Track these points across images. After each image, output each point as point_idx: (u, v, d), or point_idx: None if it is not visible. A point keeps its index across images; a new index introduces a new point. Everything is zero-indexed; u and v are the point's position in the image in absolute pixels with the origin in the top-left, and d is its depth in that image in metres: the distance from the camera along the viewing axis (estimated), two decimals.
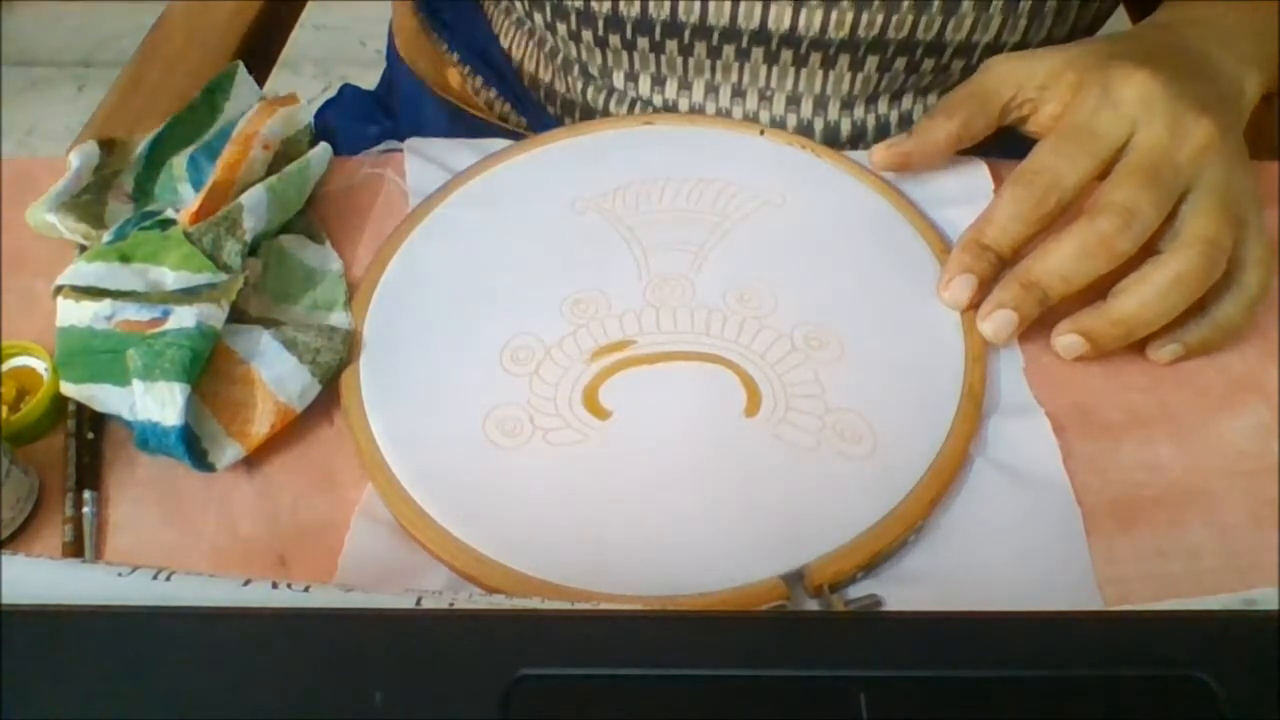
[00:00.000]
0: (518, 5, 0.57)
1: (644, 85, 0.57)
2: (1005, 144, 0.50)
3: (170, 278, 0.44)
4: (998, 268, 0.44)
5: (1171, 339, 0.44)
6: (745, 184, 0.50)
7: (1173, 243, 0.42)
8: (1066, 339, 0.43)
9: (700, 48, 0.54)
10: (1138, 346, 0.44)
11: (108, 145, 0.50)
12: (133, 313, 0.43)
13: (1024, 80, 0.47)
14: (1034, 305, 0.43)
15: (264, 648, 0.26)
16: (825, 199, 0.50)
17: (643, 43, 0.54)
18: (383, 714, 0.24)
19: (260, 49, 0.68)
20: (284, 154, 0.50)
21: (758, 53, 0.54)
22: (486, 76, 0.65)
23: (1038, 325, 0.44)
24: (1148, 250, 0.42)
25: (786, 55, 0.53)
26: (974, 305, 0.44)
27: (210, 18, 0.68)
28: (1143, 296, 0.42)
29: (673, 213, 0.49)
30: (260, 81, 0.58)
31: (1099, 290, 0.43)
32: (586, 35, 0.55)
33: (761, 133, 0.53)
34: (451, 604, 0.31)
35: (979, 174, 0.51)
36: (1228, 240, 0.42)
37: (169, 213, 0.48)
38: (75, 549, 0.39)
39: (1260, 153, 0.48)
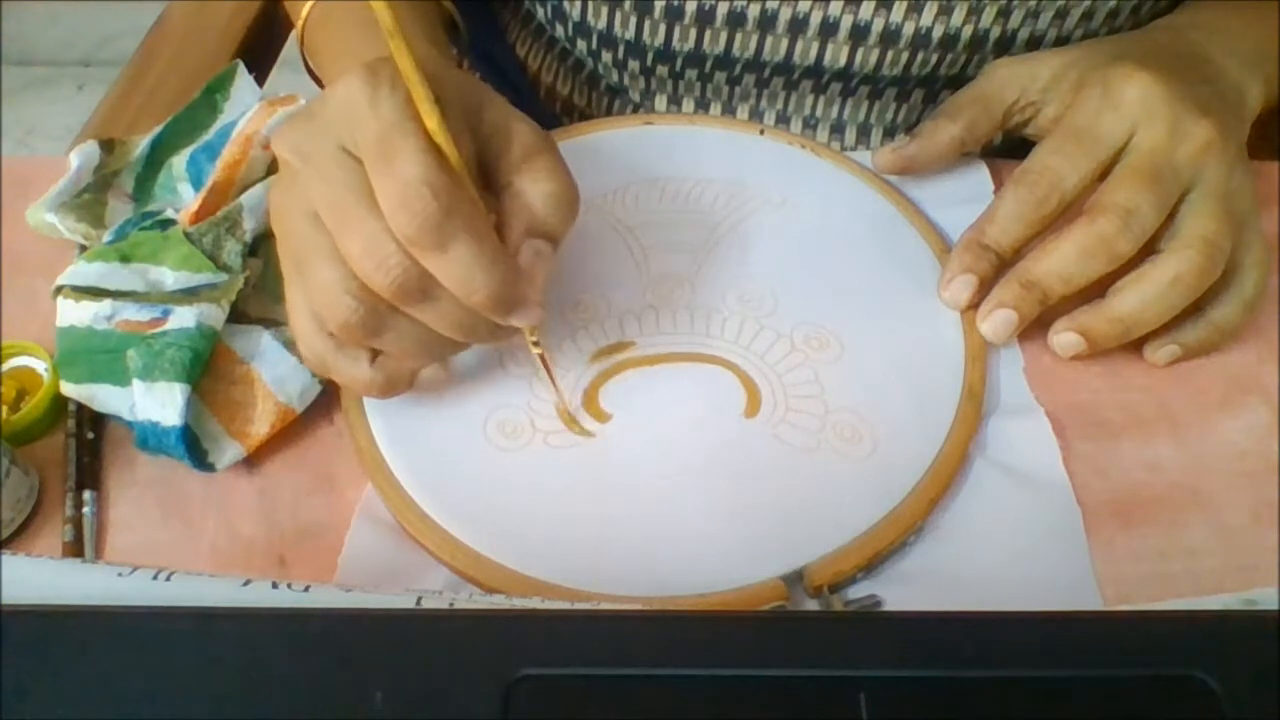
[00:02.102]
0: (557, 29, 0.57)
1: (687, 109, 0.57)
2: (1006, 144, 0.50)
3: (170, 278, 0.44)
4: (998, 268, 0.44)
5: (1169, 340, 0.44)
6: (745, 184, 0.50)
7: (1172, 242, 0.42)
8: (1064, 337, 0.43)
9: (749, 79, 0.54)
10: (1138, 346, 0.44)
11: (108, 145, 0.50)
12: (133, 313, 0.43)
13: (1027, 83, 0.47)
14: (1034, 305, 0.43)
15: (264, 648, 0.26)
16: (825, 199, 0.50)
17: (691, 74, 0.54)
18: (383, 714, 0.24)
19: (260, 49, 0.68)
20: None
21: (807, 84, 0.54)
22: (494, 81, 0.65)
23: (1038, 325, 0.44)
24: (1147, 250, 0.42)
25: (835, 88, 0.54)
26: (974, 305, 0.44)
27: (210, 18, 0.68)
28: (1142, 295, 0.42)
29: (672, 213, 0.49)
30: (260, 81, 0.58)
31: (1098, 289, 0.43)
32: (633, 65, 0.55)
33: (761, 132, 0.53)
34: (451, 604, 0.31)
35: (979, 174, 0.51)
36: (1227, 241, 0.42)
37: (169, 213, 0.48)
38: (75, 549, 0.39)
39: (1260, 153, 0.48)
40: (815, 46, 0.51)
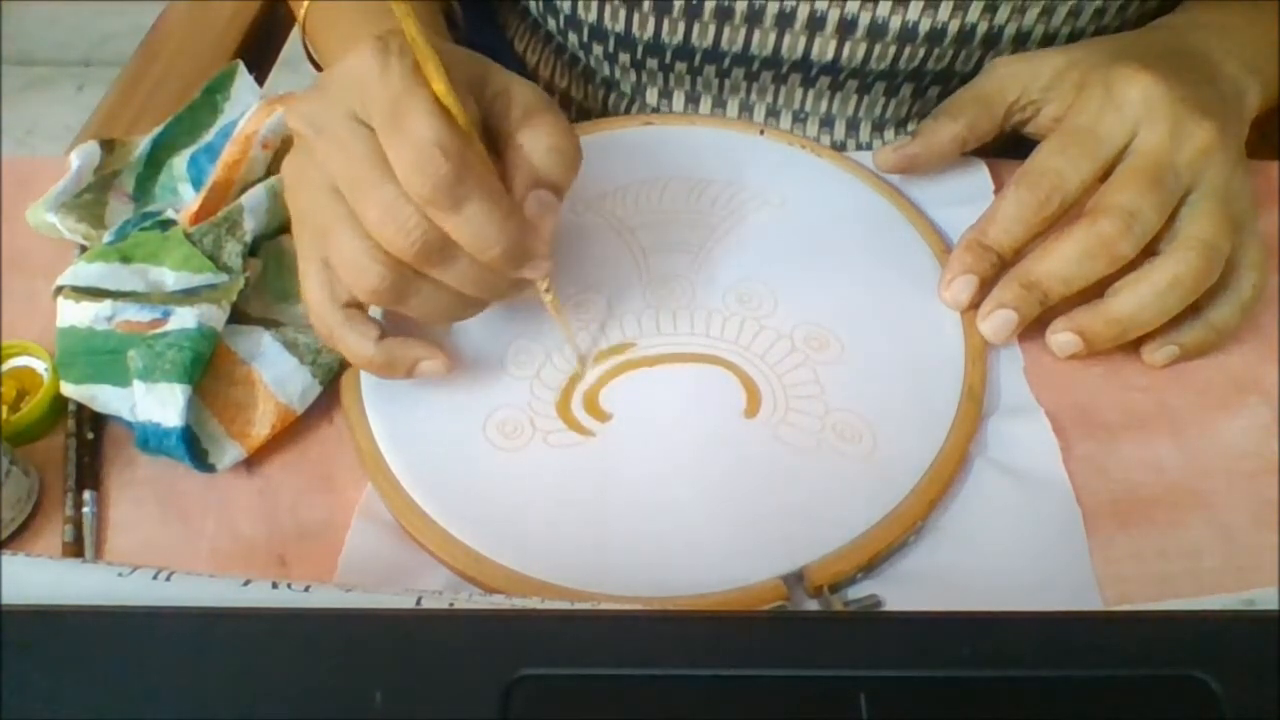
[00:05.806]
0: (550, 23, 0.57)
1: (678, 102, 0.57)
2: (1006, 144, 0.50)
3: (171, 278, 0.44)
4: (999, 268, 0.44)
5: (1166, 341, 0.44)
6: (745, 184, 0.50)
7: (1171, 244, 0.42)
8: (1062, 337, 0.43)
9: (738, 72, 0.54)
10: (1138, 346, 0.44)
11: (108, 145, 0.50)
12: (133, 313, 0.43)
13: (1028, 82, 0.47)
14: (1034, 306, 0.43)
15: (264, 648, 0.26)
16: (825, 199, 0.50)
17: (681, 67, 0.54)
18: (383, 714, 0.24)
19: (260, 49, 0.68)
20: (284, 153, 0.50)
21: (795, 78, 0.54)
22: None
23: (1038, 325, 0.44)
24: (1146, 251, 0.42)
25: (824, 81, 0.54)
26: (974, 305, 0.44)
27: (210, 18, 0.68)
28: (1140, 296, 0.42)
29: (673, 213, 0.49)
30: (260, 81, 0.58)
31: (1098, 289, 0.43)
32: (624, 58, 0.55)
33: (761, 132, 0.53)
34: (451, 604, 0.31)
35: (979, 175, 0.51)
36: (1226, 243, 0.42)
37: (169, 213, 0.48)
38: (75, 549, 0.39)
39: (1260, 153, 0.48)
40: (803, 41, 0.51)
